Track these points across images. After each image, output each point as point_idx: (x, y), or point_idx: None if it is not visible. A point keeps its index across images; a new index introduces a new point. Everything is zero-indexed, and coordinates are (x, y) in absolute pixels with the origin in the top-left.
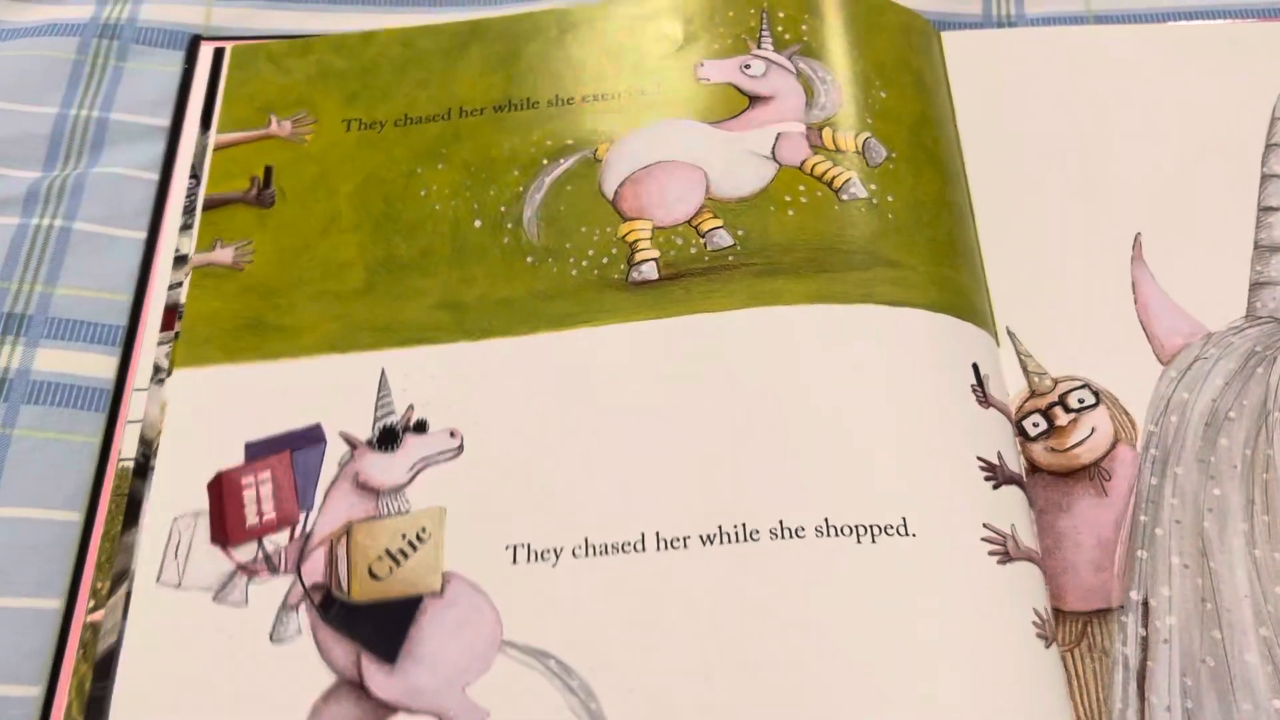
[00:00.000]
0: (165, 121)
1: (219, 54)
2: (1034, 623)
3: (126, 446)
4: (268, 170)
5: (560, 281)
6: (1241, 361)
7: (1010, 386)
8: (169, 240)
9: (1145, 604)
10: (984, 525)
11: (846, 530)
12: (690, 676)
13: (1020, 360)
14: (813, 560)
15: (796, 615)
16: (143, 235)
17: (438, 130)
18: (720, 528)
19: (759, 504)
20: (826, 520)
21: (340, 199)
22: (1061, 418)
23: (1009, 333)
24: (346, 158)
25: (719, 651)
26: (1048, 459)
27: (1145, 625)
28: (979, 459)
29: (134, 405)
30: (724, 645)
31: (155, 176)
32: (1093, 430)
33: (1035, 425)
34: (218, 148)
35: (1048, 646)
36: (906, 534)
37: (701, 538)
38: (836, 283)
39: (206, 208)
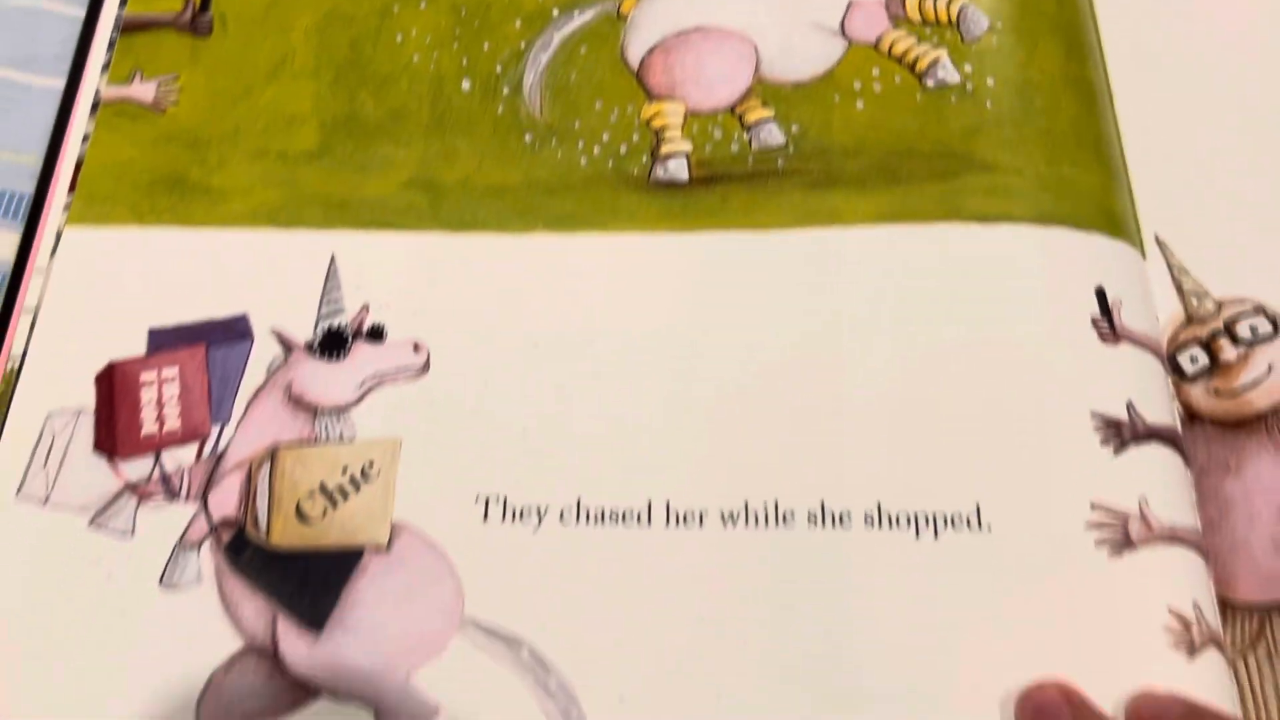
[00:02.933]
0: None
1: None
2: (1169, 628)
3: (19, 342)
4: None
5: (566, 171)
6: None
7: (1162, 312)
8: (92, 89)
9: None
10: (1092, 505)
11: (903, 520)
12: (699, 686)
13: (1173, 277)
14: (858, 556)
15: (833, 625)
16: (60, 83)
17: None
18: (747, 504)
19: (797, 478)
20: (879, 506)
21: (295, 35)
22: (1228, 351)
23: (1159, 242)
24: None
25: (735, 659)
26: (1210, 405)
27: None
28: (1095, 415)
29: (33, 291)
30: (742, 651)
31: (81, 11)
32: (1270, 368)
33: (1193, 361)
34: None
35: (1194, 655)
36: (979, 527)
37: (723, 515)
38: (913, 196)
39: (126, 29)
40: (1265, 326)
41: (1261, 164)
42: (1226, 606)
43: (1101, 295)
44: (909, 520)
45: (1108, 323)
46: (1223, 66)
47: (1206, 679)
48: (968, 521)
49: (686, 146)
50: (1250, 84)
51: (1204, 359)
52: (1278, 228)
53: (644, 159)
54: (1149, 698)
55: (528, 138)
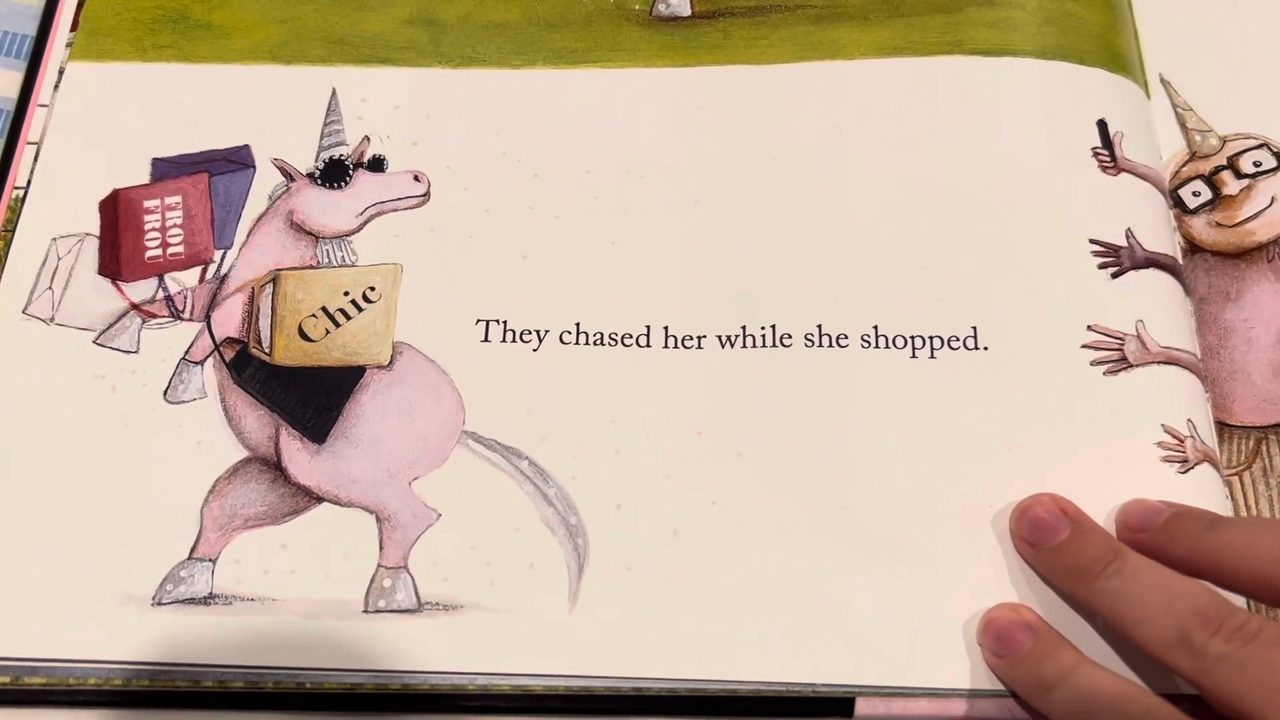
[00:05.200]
0: None
1: None
2: (1159, 443)
3: (24, 172)
4: None
5: (567, 8)
6: None
7: (1167, 150)
8: None
9: None
10: (1089, 328)
11: (899, 342)
12: (694, 496)
13: (1177, 115)
14: (854, 373)
15: (828, 437)
16: None
17: None
18: (744, 328)
19: (794, 304)
20: (875, 328)
21: None
22: (1230, 185)
23: (1163, 81)
24: None
25: (731, 471)
26: (1212, 236)
27: None
28: (1092, 241)
29: (36, 125)
30: (737, 463)
31: None
32: (1272, 200)
33: (1196, 194)
34: None
35: (1187, 470)
36: (976, 347)
37: (720, 338)
38: (915, 29)
39: None
40: (1269, 160)
41: (1267, 3)
42: (1224, 428)
43: (1103, 127)
44: (905, 341)
45: (1109, 154)
46: None
47: (1199, 493)
48: (965, 342)
49: None
50: None
51: (1207, 193)
52: (1274, 67)
53: None
54: (1138, 503)
55: None
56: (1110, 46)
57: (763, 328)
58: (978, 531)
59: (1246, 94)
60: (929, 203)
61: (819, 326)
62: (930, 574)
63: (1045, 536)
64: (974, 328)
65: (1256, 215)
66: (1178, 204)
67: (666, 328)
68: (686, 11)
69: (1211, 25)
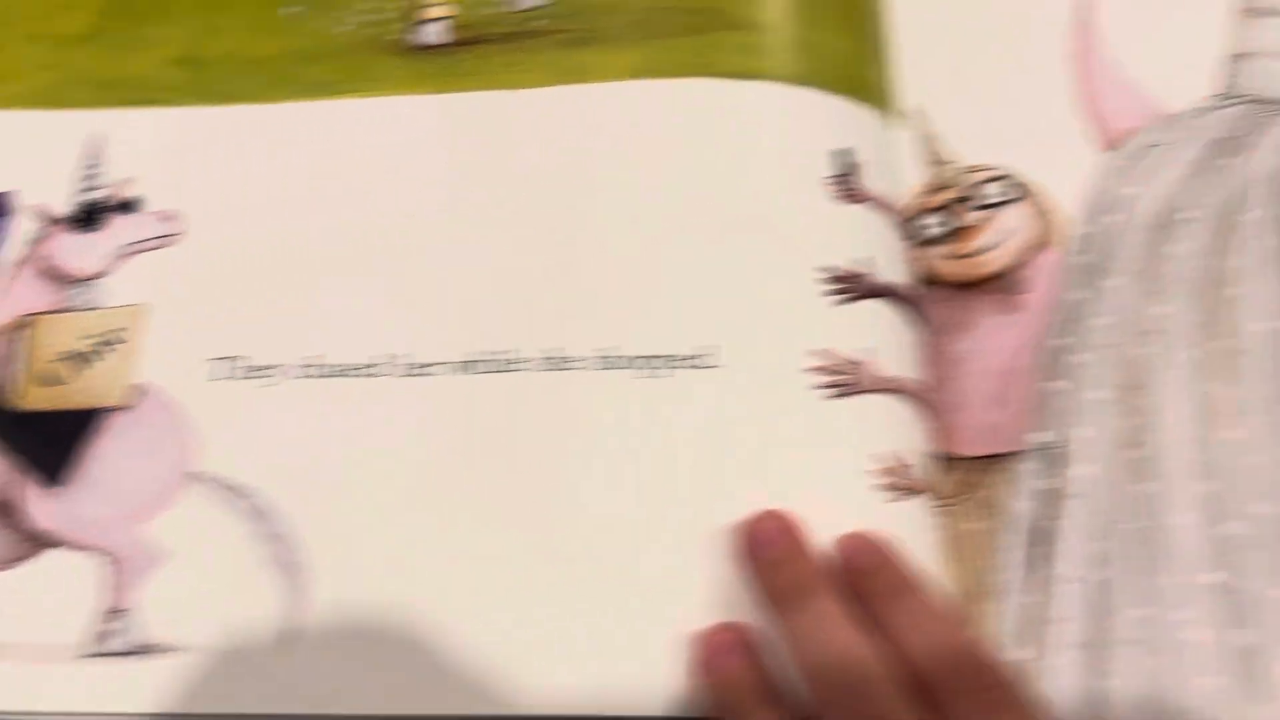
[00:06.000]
0: None
1: None
2: (877, 470)
3: None
4: None
5: (322, 40)
6: (1207, 150)
7: (910, 179)
8: None
9: (1054, 449)
10: (818, 352)
11: (634, 362)
12: (420, 531)
13: (922, 145)
14: (585, 397)
15: (556, 463)
16: None
17: None
18: (477, 355)
19: (529, 328)
20: (608, 350)
21: None
22: (968, 216)
23: (912, 112)
24: None
25: (457, 505)
26: (949, 268)
27: (1052, 475)
28: (825, 269)
29: None
30: (465, 496)
31: None
32: (1007, 232)
33: (937, 225)
34: None
35: (899, 499)
36: (705, 368)
37: (452, 365)
38: (665, 52)
39: None
40: (1009, 192)
41: (1019, 42)
42: (947, 459)
43: (840, 156)
44: (640, 361)
45: (845, 182)
46: None
47: (909, 523)
48: (696, 362)
49: (447, 11)
50: None
51: (946, 224)
52: (1028, 101)
53: (404, 25)
54: (856, 539)
55: (284, 11)
56: (855, 76)
57: (494, 353)
58: (699, 553)
59: (995, 126)
60: (668, 223)
61: (552, 350)
62: (651, 597)
63: (757, 552)
64: (704, 348)
65: (992, 247)
66: (917, 234)
67: (396, 356)
68: (443, 40)
69: (967, 57)
